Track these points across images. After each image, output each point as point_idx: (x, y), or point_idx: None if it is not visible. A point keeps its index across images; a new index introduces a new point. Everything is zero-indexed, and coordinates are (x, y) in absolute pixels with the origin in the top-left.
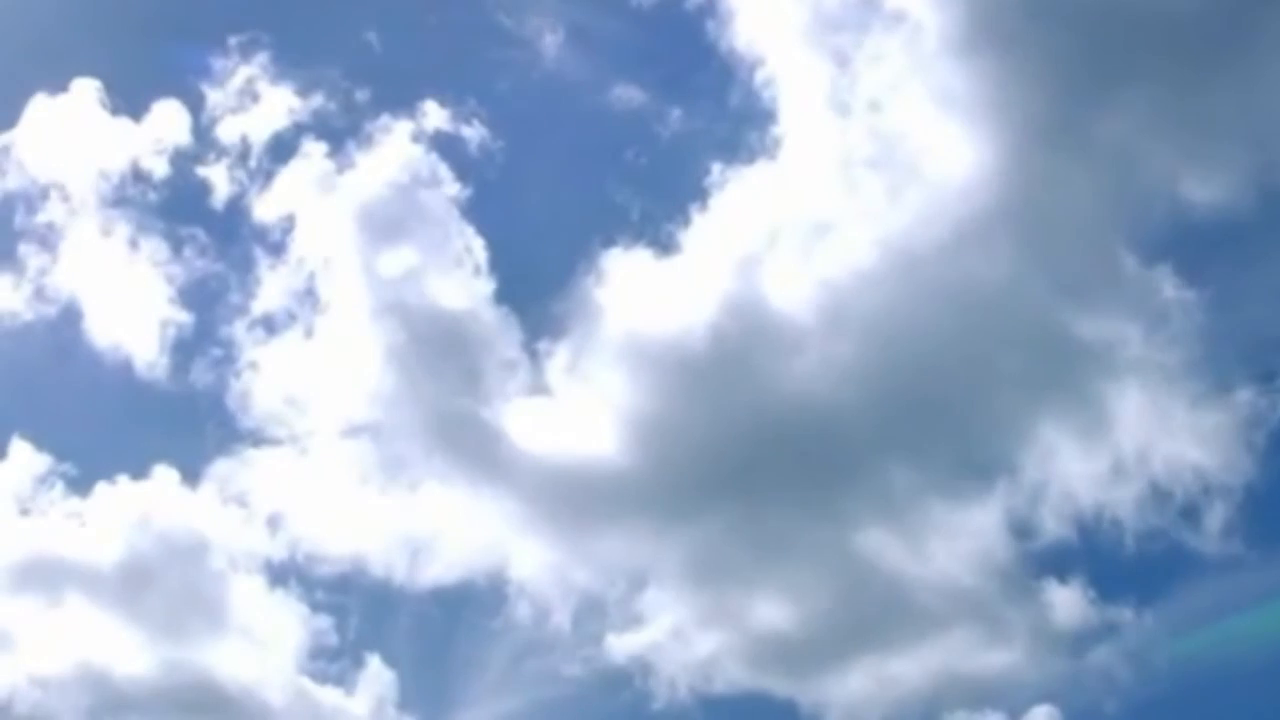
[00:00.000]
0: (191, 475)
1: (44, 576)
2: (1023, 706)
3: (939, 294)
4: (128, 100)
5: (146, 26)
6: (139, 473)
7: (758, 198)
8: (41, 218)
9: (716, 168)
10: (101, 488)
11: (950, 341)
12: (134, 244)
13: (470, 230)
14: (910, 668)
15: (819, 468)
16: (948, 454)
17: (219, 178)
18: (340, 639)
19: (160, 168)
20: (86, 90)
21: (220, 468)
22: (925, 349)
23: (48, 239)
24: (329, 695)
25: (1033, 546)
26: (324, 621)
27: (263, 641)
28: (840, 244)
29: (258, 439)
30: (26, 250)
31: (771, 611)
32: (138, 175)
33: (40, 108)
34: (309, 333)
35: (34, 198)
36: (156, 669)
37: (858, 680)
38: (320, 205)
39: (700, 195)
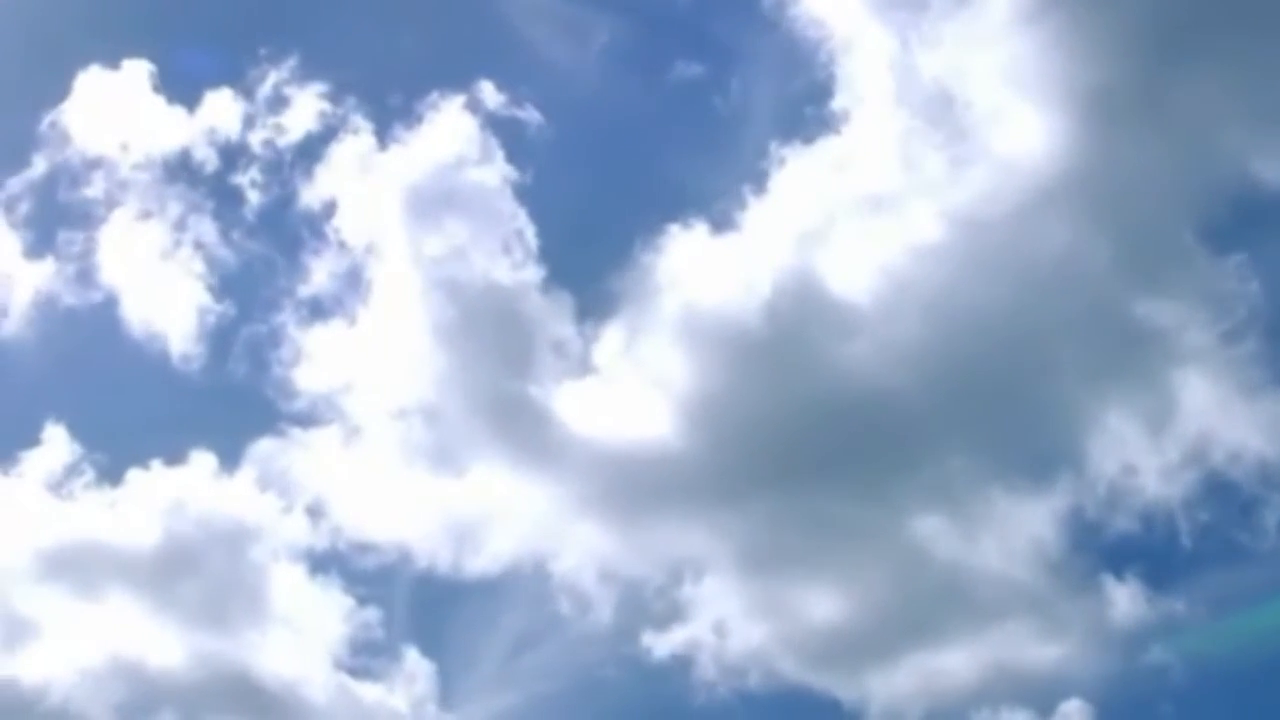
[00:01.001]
0: (231, 461)
1: (77, 565)
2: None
3: (1000, 274)
4: (180, 85)
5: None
6: (176, 459)
7: (818, 174)
8: (87, 193)
9: (776, 144)
10: (138, 475)
11: (1011, 323)
12: (179, 226)
13: (522, 209)
14: (957, 662)
15: (874, 453)
16: (1005, 440)
17: (267, 160)
18: (381, 631)
19: (208, 154)
20: (139, 71)
21: (260, 453)
22: (986, 331)
23: (90, 217)
24: (369, 689)
25: (1089, 538)
26: (365, 613)
27: (302, 633)
28: (901, 222)
29: (301, 423)
30: (68, 228)
31: (819, 603)
32: (185, 160)
33: (91, 82)
34: (355, 316)
35: (79, 173)
36: (192, 661)
37: (902, 675)
38: (368, 187)
39: (760, 172)
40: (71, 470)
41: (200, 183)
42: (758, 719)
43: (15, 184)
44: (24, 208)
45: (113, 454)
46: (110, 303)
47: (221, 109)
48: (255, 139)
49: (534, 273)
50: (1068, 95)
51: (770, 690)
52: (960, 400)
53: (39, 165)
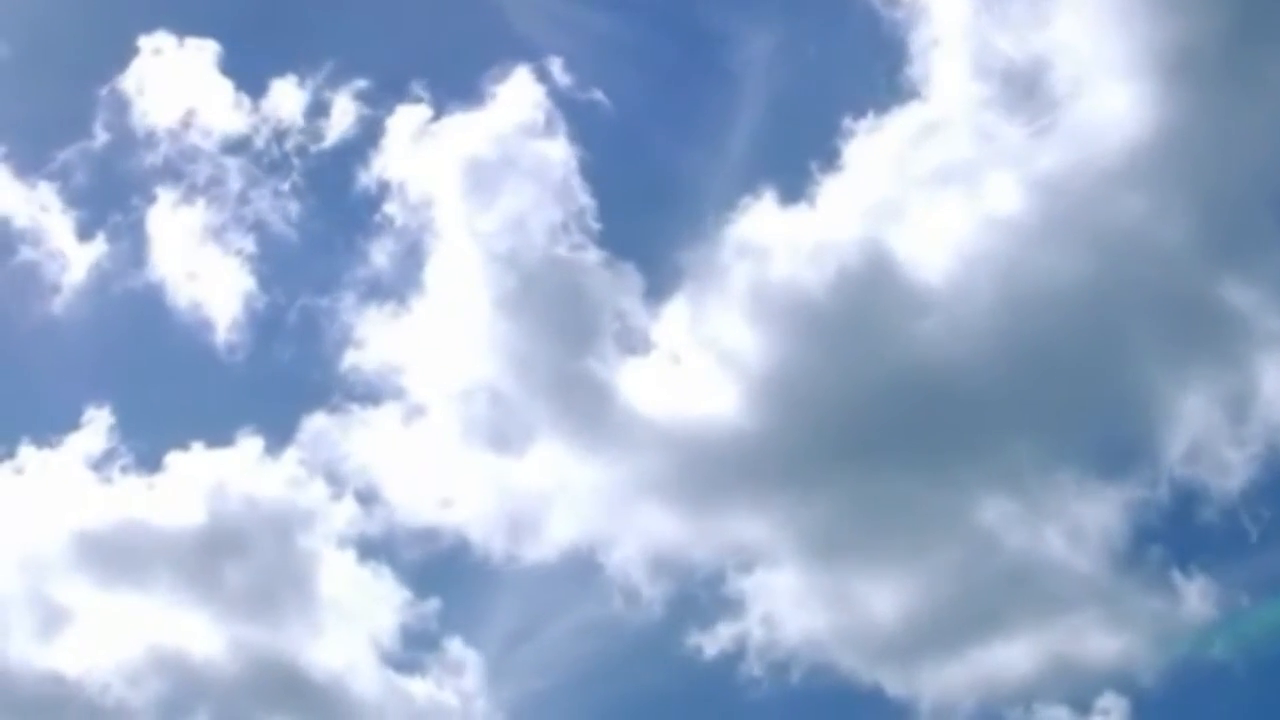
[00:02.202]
0: (280, 444)
1: (117, 550)
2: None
3: (1077, 250)
4: (243, 69)
5: None
6: (224, 441)
7: (892, 146)
8: (142, 167)
9: (849, 115)
10: (183, 458)
11: (1087, 301)
12: (235, 205)
13: (587, 183)
14: (1014, 655)
15: (942, 434)
16: (1076, 424)
17: (326, 138)
18: (432, 621)
19: (267, 135)
20: (204, 50)
21: (311, 436)
22: (1061, 308)
23: (145, 193)
24: (418, 682)
25: (1159, 529)
26: (415, 602)
27: (350, 623)
28: (977, 195)
29: (355, 404)
30: (122, 205)
31: (875, 593)
32: (243, 141)
33: (154, 52)
34: (413, 295)
35: (136, 146)
36: (235, 653)
37: (957, 669)
38: (427, 162)
39: (832, 144)
40: (114, 453)
41: (257, 163)
42: (801, 714)
43: (71, 154)
44: (79, 180)
45: (159, 437)
46: (161, 282)
47: (285, 95)
48: (315, 119)
49: (598, 247)
50: (1150, 62)
51: (817, 685)
52: (1032, 381)
53: (97, 135)
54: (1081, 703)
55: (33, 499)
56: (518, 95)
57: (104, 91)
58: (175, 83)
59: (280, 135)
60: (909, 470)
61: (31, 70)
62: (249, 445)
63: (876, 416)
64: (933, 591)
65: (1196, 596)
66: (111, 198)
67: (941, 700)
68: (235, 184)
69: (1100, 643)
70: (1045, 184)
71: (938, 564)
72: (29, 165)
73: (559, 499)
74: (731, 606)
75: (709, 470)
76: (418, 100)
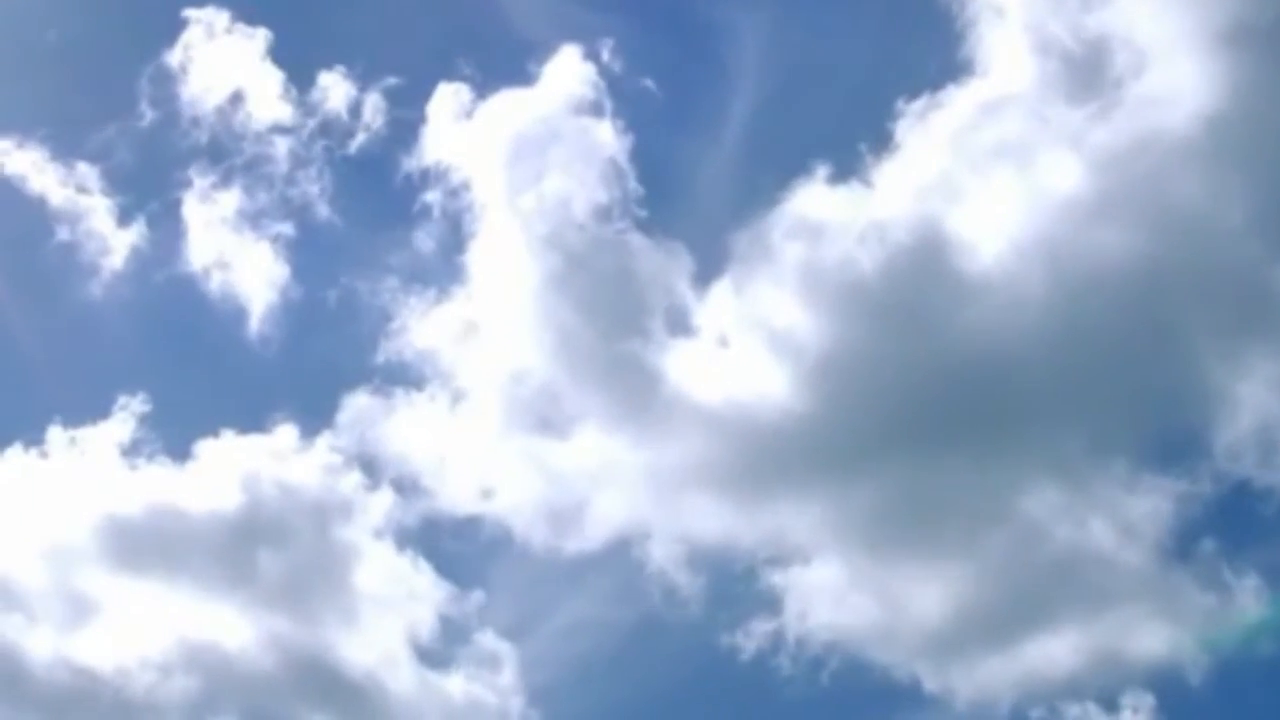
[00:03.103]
0: (316, 431)
1: (148, 541)
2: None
3: (1134, 232)
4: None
5: None
6: (259, 428)
7: (947, 125)
8: (187, 147)
9: (904, 93)
10: (216, 445)
11: (1144, 284)
12: (283, 184)
13: (635, 163)
14: (1058, 650)
15: (993, 421)
16: (1133, 414)
17: (374, 117)
18: (470, 613)
19: (311, 122)
20: (255, 37)
21: (348, 423)
22: (1118, 294)
23: (186, 174)
24: (455, 677)
25: (1211, 521)
26: (454, 594)
27: (387, 616)
28: (1035, 177)
29: (393, 391)
30: (163, 187)
31: (919, 585)
32: (288, 126)
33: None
34: (455, 278)
35: (181, 127)
36: (267, 647)
37: (996, 662)
38: (471, 143)
39: (886, 123)
40: (146, 439)
41: (300, 147)
42: (836, 708)
43: (113, 133)
44: (120, 160)
45: (192, 423)
46: (199, 267)
47: (332, 84)
48: (360, 104)
49: (645, 228)
50: (1211, 40)
51: (853, 679)
52: (1085, 367)
53: (142, 114)
54: (1122, 700)
55: (62, 485)
56: (565, 74)
57: (150, 69)
58: (222, 63)
59: (326, 124)
60: (956, 458)
61: (77, 45)
62: (285, 433)
63: (925, 403)
64: (975, 584)
65: (1247, 593)
66: (152, 180)
67: (979, 696)
68: (277, 168)
69: (1145, 639)
70: (1103, 164)
71: (981, 556)
72: (69, 145)
73: (602, 487)
74: (770, 601)
75: (754, 457)
76: (462, 80)
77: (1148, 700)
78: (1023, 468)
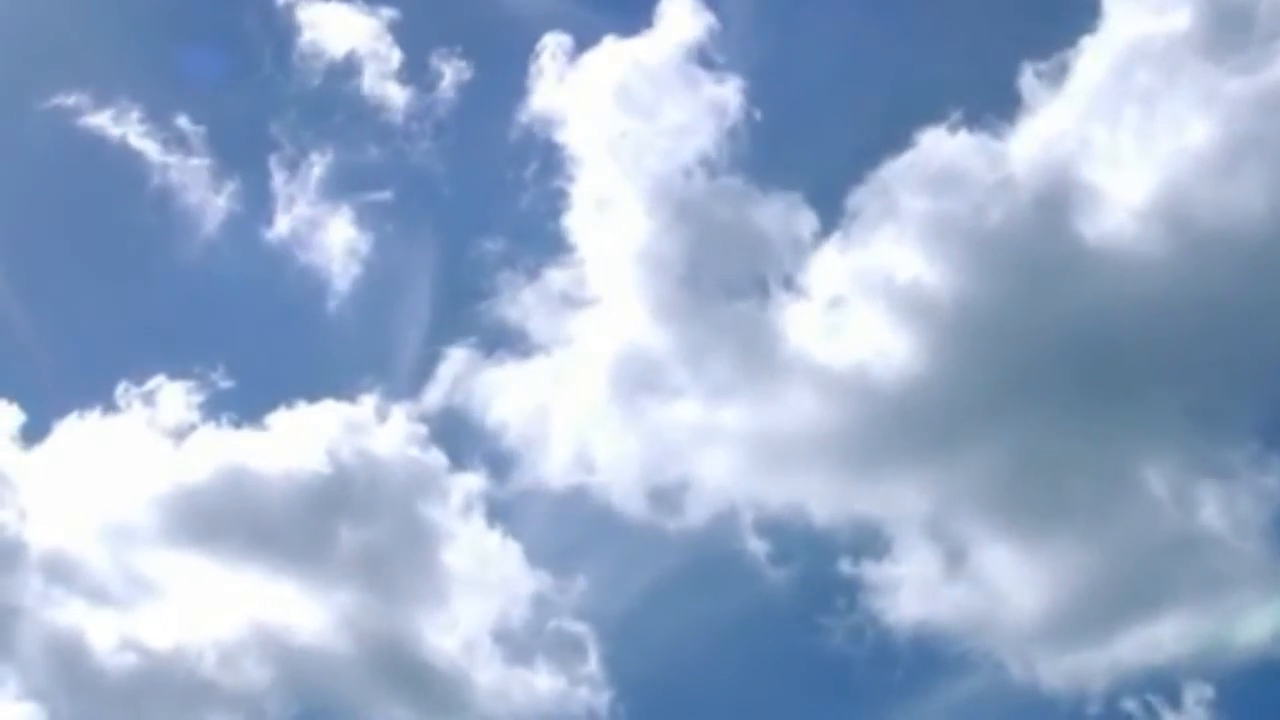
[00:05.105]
0: (402, 399)
1: (219, 517)
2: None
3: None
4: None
5: None
6: (345, 397)
7: (1084, 77)
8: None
9: (1040, 41)
10: (297, 413)
11: None
12: (384, 142)
13: (750, 110)
14: (1162, 636)
15: (1117, 391)
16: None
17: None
18: (560, 595)
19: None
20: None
21: (438, 392)
22: (1253, 259)
23: (287, 129)
24: (540, 668)
25: None
26: (544, 574)
27: (474, 597)
28: (1169, 134)
29: (488, 356)
30: (261, 145)
31: (1021, 566)
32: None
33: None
34: (557, 238)
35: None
36: (344, 630)
37: (1095, 648)
38: (581, 94)
39: (1019, 73)
40: (220, 407)
41: (407, 109)
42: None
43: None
44: (222, 116)
45: (274, 390)
46: (294, 229)
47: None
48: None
49: (759, 180)
50: None
51: (949, 666)
52: (1222, 333)
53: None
54: (1230, 688)
55: (130, 454)
56: (678, 21)
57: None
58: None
59: (427, 85)
60: (1074, 429)
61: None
62: (369, 401)
63: (1044, 369)
64: (1081, 565)
65: None
66: (249, 141)
67: (1075, 683)
68: (375, 129)
69: (1258, 625)
70: (1241, 122)
71: (1092, 535)
72: (168, 100)
73: (707, 460)
74: (869, 585)
75: (866, 426)
76: (567, 30)
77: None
78: (1141, 442)
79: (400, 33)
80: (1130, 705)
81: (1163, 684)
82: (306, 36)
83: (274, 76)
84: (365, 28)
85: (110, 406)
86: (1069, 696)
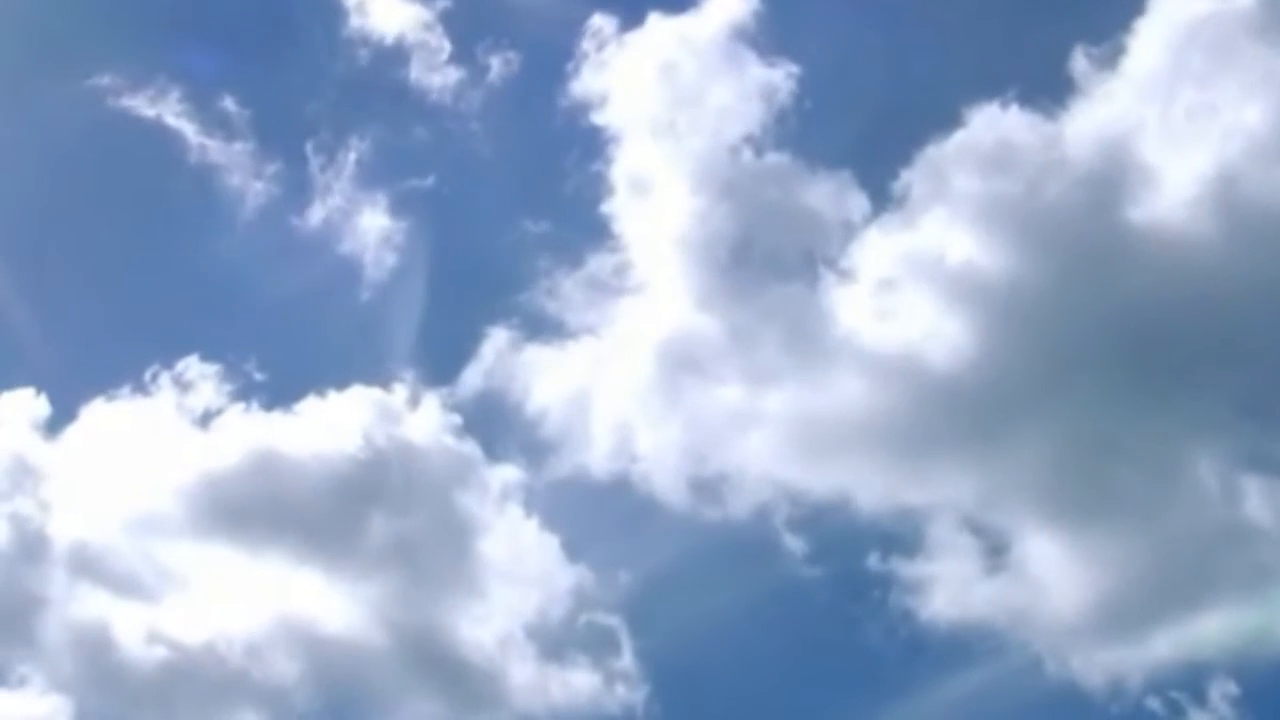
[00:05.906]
0: (437, 385)
1: (247, 505)
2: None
3: None
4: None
5: None
6: (379, 381)
7: (1139, 57)
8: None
9: (1096, 21)
10: (330, 401)
11: None
12: (426, 125)
13: (798, 89)
14: (1208, 630)
15: (1165, 381)
16: None
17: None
18: (597, 588)
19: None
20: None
21: (473, 378)
22: None
23: (330, 117)
24: (576, 666)
25: None
26: (582, 566)
27: (510, 589)
28: (1226, 117)
29: (526, 342)
30: (302, 130)
31: (1065, 558)
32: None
33: None
34: (599, 222)
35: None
36: (375, 623)
37: (1137, 643)
38: (623, 75)
39: (1072, 54)
40: (251, 392)
41: (447, 96)
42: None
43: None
44: (261, 100)
45: (307, 376)
46: (331, 214)
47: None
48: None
49: (807, 158)
50: None
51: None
52: (1276, 320)
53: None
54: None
55: (160, 439)
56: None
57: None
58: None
59: (481, 85)
60: (1118, 417)
61: None
62: (403, 388)
63: (1094, 354)
64: (1122, 558)
65: None
66: (291, 125)
67: (1112, 678)
68: (417, 113)
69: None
70: None
71: (1134, 528)
72: (212, 84)
73: (751, 445)
74: (907, 577)
75: (914, 408)
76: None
77: None
78: (1189, 431)
79: (449, 22)
80: (1154, 704)
81: (1191, 681)
82: (354, 23)
83: (319, 62)
84: (413, 16)
85: (139, 388)
86: (1104, 692)
